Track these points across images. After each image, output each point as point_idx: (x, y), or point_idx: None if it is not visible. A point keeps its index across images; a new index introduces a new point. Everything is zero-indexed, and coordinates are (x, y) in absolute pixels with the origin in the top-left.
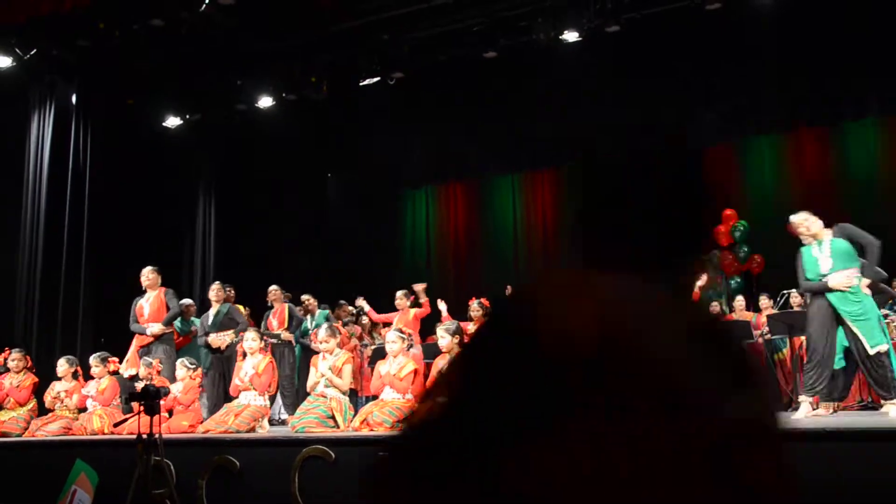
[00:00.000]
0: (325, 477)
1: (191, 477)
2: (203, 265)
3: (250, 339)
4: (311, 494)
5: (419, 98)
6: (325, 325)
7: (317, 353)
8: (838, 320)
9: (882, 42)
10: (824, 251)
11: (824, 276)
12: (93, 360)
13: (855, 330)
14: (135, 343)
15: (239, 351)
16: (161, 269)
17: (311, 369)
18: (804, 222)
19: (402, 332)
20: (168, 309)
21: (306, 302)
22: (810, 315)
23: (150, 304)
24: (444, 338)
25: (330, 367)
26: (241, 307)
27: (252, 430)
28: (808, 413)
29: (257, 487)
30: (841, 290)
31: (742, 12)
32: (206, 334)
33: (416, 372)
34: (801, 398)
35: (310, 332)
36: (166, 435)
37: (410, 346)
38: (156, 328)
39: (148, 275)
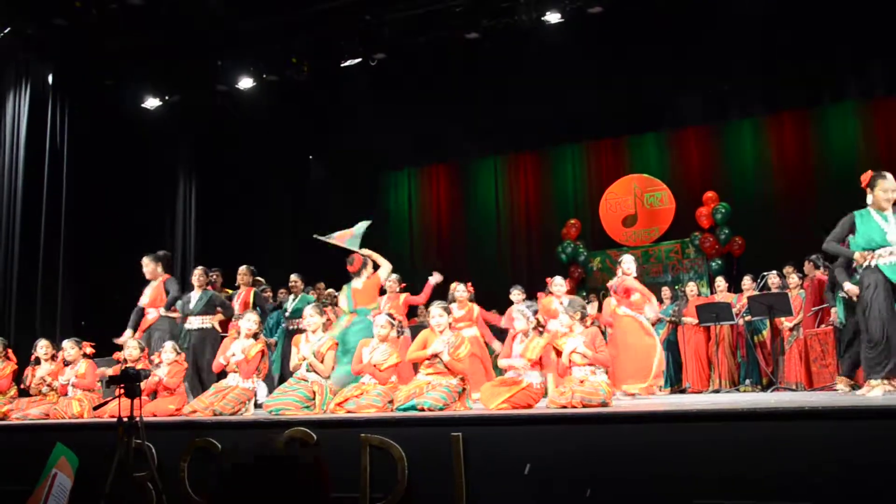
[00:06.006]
0: None
1: (172, 459)
2: (183, 247)
3: (251, 321)
4: None
5: (401, 79)
6: (311, 305)
7: (300, 332)
8: (894, 293)
9: (861, 27)
10: (890, 221)
11: (889, 244)
12: (66, 343)
13: None
14: (140, 327)
15: (232, 328)
16: (162, 257)
17: (293, 349)
18: (894, 186)
19: (392, 317)
20: (167, 295)
21: (293, 283)
22: (865, 291)
23: (150, 291)
24: (442, 316)
25: (314, 351)
26: (228, 290)
27: (237, 412)
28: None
29: None
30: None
31: None
32: (186, 317)
33: (397, 364)
34: (872, 381)
35: (285, 313)
36: (150, 418)
37: (401, 333)
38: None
39: (144, 265)
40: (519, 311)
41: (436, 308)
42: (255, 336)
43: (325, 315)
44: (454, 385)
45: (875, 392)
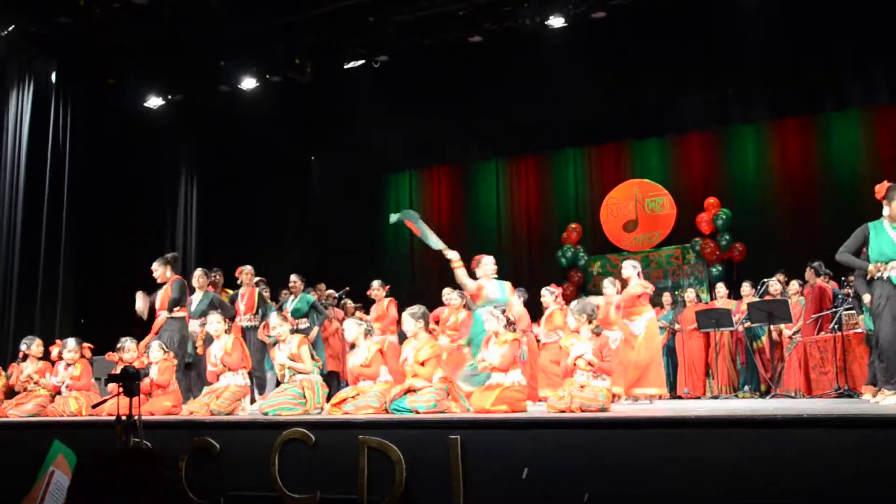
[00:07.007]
0: (305, 460)
1: (171, 458)
2: (185, 246)
3: (215, 321)
4: (291, 477)
5: (404, 82)
6: (273, 313)
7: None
8: None
9: (864, 33)
10: None
11: None
12: (71, 343)
13: None
14: (152, 329)
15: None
16: (170, 260)
17: (271, 362)
18: None
19: (359, 319)
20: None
21: (293, 283)
22: (876, 305)
23: (161, 295)
24: (407, 322)
25: (288, 356)
26: (228, 290)
27: (233, 411)
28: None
29: (237, 469)
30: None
31: (727, 1)
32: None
33: (381, 351)
34: (886, 391)
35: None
36: (148, 416)
37: (369, 331)
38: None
39: (154, 270)
40: (488, 312)
41: (349, 322)
42: (227, 331)
43: (288, 321)
44: (439, 385)
45: (889, 400)
